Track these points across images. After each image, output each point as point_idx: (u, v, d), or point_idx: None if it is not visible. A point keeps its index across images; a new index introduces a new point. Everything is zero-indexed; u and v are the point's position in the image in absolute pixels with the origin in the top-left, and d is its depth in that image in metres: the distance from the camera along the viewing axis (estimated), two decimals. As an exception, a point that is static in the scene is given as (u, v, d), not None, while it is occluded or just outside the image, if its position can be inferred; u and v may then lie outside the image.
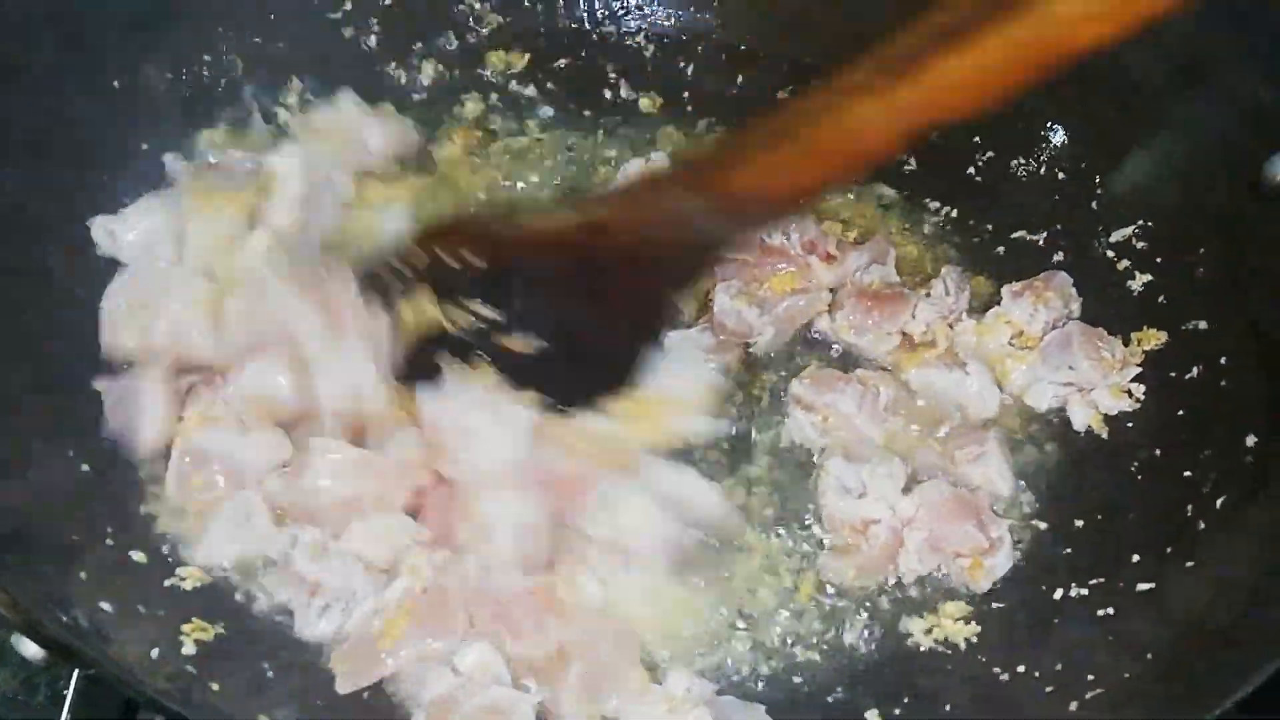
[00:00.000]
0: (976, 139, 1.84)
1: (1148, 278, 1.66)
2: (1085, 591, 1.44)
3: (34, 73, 1.45)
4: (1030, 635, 1.44)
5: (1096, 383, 1.62)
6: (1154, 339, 1.62)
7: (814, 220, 1.77)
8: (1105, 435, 1.61)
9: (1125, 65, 1.66)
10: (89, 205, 1.54)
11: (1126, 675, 1.29)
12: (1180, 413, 1.55)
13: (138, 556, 1.36)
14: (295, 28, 1.77)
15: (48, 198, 1.48)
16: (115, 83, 1.57)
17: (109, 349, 1.47)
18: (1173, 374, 1.59)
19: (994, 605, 1.49)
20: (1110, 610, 1.40)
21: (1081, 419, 1.63)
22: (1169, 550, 1.42)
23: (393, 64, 1.88)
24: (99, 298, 1.50)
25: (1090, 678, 1.31)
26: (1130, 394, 1.61)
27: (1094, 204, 1.74)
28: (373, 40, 1.86)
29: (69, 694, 1.45)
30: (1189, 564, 1.39)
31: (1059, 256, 1.76)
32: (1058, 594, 1.46)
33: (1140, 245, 1.67)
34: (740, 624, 1.48)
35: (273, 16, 1.75)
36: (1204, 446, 1.49)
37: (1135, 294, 1.66)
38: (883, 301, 1.71)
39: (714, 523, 1.50)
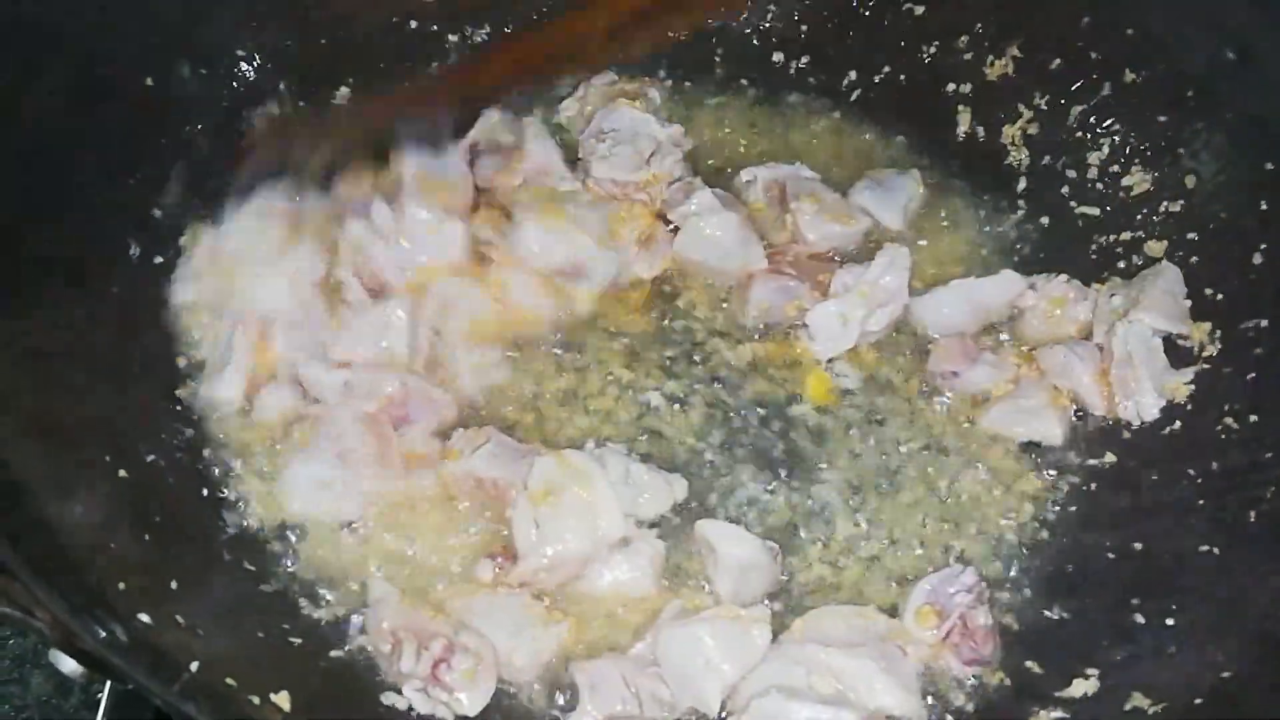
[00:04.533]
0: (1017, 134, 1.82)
1: (1205, 273, 1.61)
2: (1149, 604, 1.40)
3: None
4: (1095, 653, 1.38)
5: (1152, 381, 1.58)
6: (1212, 336, 1.57)
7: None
8: (1163, 437, 1.57)
9: (1176, 57, 1.63)
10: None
11: (1198, 702, 1.25)
12: (1240, 413, 1.50)
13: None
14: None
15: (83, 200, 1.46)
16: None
17: None
18: (1232, 373, 1.54)
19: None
20: (1172, 622, 1.36)
21: (1138, 420, 1.58)
22: (1234, 559, 1.38)
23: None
24: (134, 301, 1.50)
25: (1160, 699, 1.27)
26: (1188, 393, 1.57)
27: (1147, 199, 1.69)
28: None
29: (103, 700, 1.45)
30: (1258, 572, 1.35)
31: (1117, 252, 1.71)
32: (1119, 608, 1.41)
33: (1195, 240, 1.63)
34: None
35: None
36: (1265, 449, 1.45)
37: (1194, 290, 1.61)
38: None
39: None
